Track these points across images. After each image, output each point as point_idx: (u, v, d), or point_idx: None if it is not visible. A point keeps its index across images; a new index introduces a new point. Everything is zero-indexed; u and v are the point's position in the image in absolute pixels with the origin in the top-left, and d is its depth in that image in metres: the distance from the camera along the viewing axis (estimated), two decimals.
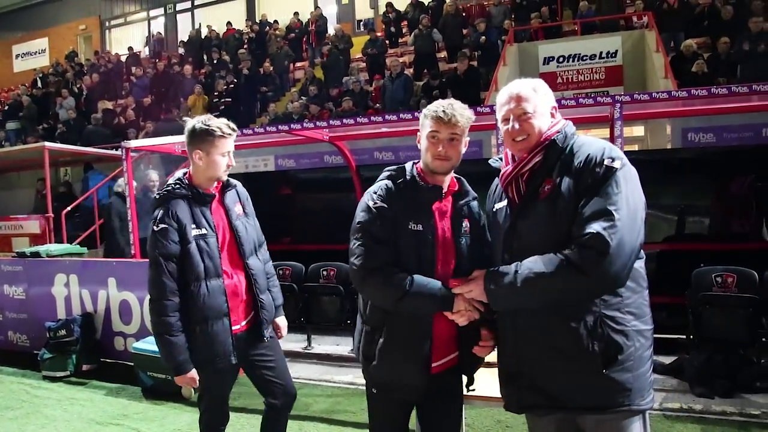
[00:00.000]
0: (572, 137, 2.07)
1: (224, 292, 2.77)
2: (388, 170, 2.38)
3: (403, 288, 2.13)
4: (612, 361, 1.89)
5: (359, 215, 2.29)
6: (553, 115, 2.11)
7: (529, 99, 2.07)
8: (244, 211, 2.98)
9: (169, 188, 2.76)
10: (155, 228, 2.68)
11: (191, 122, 2.77)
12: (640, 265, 1.97)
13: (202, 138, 2.72)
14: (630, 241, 1.84)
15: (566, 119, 2.14)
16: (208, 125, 2.70)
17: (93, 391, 5.28)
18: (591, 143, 2.01)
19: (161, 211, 2.71)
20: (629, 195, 1.88)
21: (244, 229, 2.89)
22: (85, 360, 5.68)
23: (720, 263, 5.12)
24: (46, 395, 5.18)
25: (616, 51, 11.73)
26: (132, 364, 5.29)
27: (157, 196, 2.78)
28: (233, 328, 2.81)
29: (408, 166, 2.38)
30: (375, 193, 2.30)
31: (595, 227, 1.83)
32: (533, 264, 1.92)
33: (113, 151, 10.64)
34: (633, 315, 1.93)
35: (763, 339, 4.76)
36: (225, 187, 2.90)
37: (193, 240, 2.70)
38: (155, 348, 4.99)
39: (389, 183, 2.32)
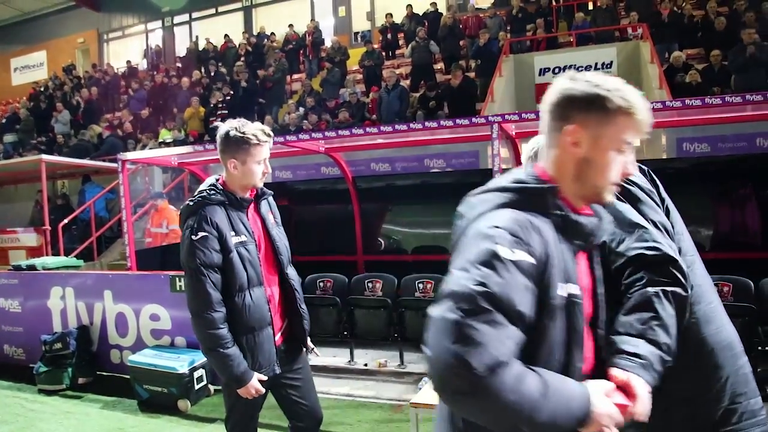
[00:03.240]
0: None
1: (268, 301, 2.66)
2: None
3: None
4: None
5: None
6: None
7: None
8: (275, 220, 2.86)
9: (203, 194, 2.60)
10: (193, 237, 2.50)
11: (224, 128, 2.60)
12: None
13: (236, 146, 2.55)
14: None
15: None
16: (243, 132, 2.54)
17: (89, 404, 5.25)
18: None
19: (197, 219, 2.54)
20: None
21: (279, 239, 2.78)
22: (81, 373, 5.66)
23: (716, 273, 5.12)
24: (42, 409, 5.16)
25: (611, 62, 11.80)
26: (128, 377, 5.28)
27: (190, 203, 2.61)
28: (275, 338, 2.71)
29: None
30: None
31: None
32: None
33: (110, 164, 10.65)
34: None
35: (759, 348, 4.77)
36: (259, 195, 2.76)
37: (234, 248, 2.56)
38: (151, 361, 5.06)
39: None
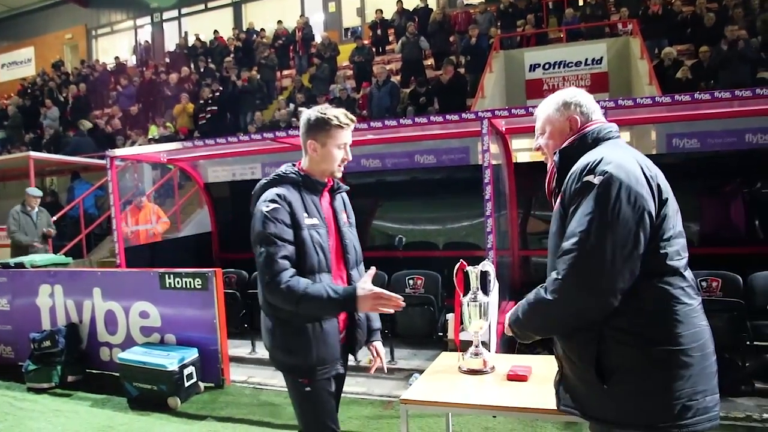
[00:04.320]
0: (595, 144, 1.99)
1: None
2: None
3: None
4: (610, 376, 1.82)
5: None
6: (572, 129, 2.08)
7: (539, 119, 2.17)
8: (348, 220, 2.72)
9: (279, 173, 2.53)
10: (265, 209, 2.38)
11: (307, 112, 2.56)
12: (663, 281, 1.83)
13: (317, 127, 2.49)
14: (604, 263, 1.75)
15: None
16: (325, 113, 2.48)
17: (78, 402, 5.21)
18: (592, 153, 1.93)
19: (270, 194, 2.43)
20: (605, 214, 1.77)
21: (349, 237, 2.65)
22: (70, 371, 5.62)
23: (705, 268, 5.16)
24: (31, 407, 5.11)
25: (602, 58, 11.85)
26: (118, 374, 5.25)
27: (265, 181, 2.52)
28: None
29: None
30: None
31: (562, 252, 1.83)
32: (528, 297, 1.98)
33: (98, 160, 10.59)
34: (639, 335, 1.81)
35: (748, 343, 4.80)
36: (335, 189, 2.66)
37: (306, 227, 2.43)
38: (141, 358, 5.05)
39: None
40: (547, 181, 2.12)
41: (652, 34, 11.58)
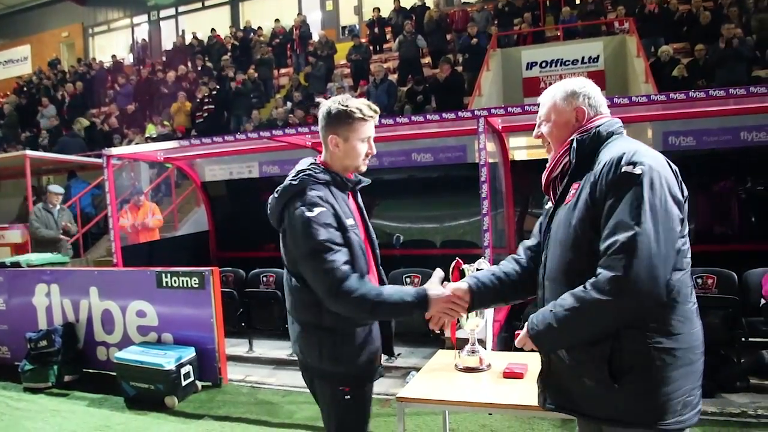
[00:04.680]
0: (609, 137, 1.96)
1: None
2: None
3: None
4: (623, 375, 1.79)
5: None
6: (579, 120, 2.04)
7: (545, 106, 2.09)
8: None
9: (308, 173, 2.31)
10: (309, 214, 2.19)
11: (326, 103, 2.39)
12: (678, 278, 1.82)
13: (338, 120, 2.31)
14: (659, 255, 1.71)
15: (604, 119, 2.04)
16: (346, 106, 2.31)
17: (75, 402, 5.21)
18: (616, 146, 1.89)
19: (308, 197, 2.23)
20: (655, 204, 1.73)
21: (373, 234, 2.52)
22: (67, 371, 5.61)
23: (701, 265, 5.18)
24: (27, 407, 5.11)
25: (598, 56, 11.87)
26: (115, 374, 5.24)
27: (293, 182, 2.28)
28: None
29: None
30: None
31: (617, 246, 1.72)
32: (564, 301, 1.84)
33: (95, 159, 10.56)
34: (657, 332, 1.79)
35: (743, 339, 4.83)
36: (358, 183, 2.49)
37: (349, 229, 2.28)
38: (138, 357, 5.05)
39: None
40: (547, 171, 2.08)
41: (648, 32, 11.59)
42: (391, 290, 2.21)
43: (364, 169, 2.41)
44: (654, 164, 1.78)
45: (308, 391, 2.50)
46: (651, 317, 1.79)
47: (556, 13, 13.72)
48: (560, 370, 1.97)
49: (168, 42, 20.64)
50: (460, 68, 12.32)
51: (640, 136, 9.15)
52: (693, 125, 8.02)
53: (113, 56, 19.51)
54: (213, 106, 13.40)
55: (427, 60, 13.73)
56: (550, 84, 2.11)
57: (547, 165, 2.10)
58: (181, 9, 22.25)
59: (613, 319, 1.78)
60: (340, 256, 2.17)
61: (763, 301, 4.56)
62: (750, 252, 5.63)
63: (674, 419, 1.80)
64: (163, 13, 22.61)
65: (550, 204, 2.12)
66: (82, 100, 16.79)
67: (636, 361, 1.79)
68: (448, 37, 13.98)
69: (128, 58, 20.88)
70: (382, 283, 2.45)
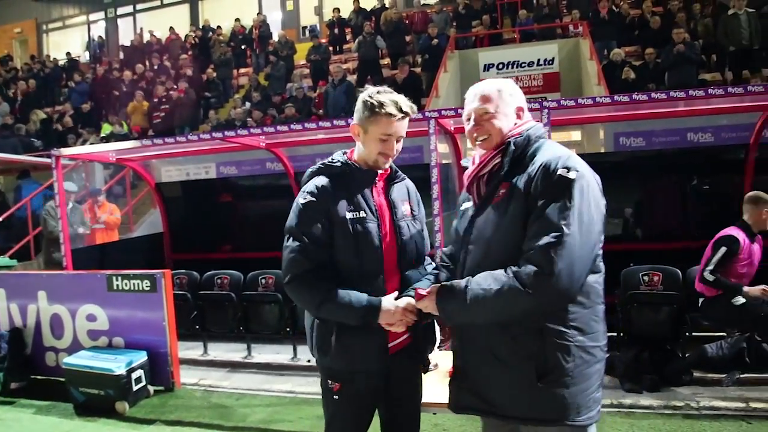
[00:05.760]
0: (537, 141, 2.01)
1: (385, 294, 2.24)
2: None
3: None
4: (547, 374, 1.84)
5: None
6: (519, 117, 2.08)
7: (491, 99, 2.05)
8: (412, 212, 2.44)
9: (326, 162, 2.33)
10: (301, 201, 2.24)
11: (363, 93, 2.34)
12: (595, 279, 1.91)
13: (363, 111, 2.26)
14: (581, 257, 1.78)
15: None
16: (372, 98, 2.23)
17: (21, 410, 5.07)
18: (549, 149, 1.95)
19: (311, 184, 2.27)
20: (583, 209, 1.80)
21: (408, 233, 2.35)
22: (13, 378, 5.45)
23: (649, 262, 5.32)
24: None
25: (553, 58, 12.10)
26: (64, 380, 5.13)
27: (312, 170, 2.34)
28: (391, 344, 2.30)
29: None
30: None
31: (543, 244, 1.77)
32: (482, 280, 1.88)
33: (47, 159, 10.30)
34: (578, 330, 1.87)
35: (687, 334, 4.99)
36: (391, 178, 2.40)
37: (347, 222, 2.22)
38: (87, 362, 4.96)
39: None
40: (475, 170, 2.09)
41: (601, 35, 11.87)
42: (345, 294, 2.15)
43: (382, 166, 2.32)
44: (585, 171, 1.86)
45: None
46: (571, 316, 1.86)
47: (513, 15, 13.94)
48: (480, 370, 1.99)
49: (125, 40, 20.27)
50: (418, 69, 12.39)
51: (593, 137, 9.36)
52: (643, 126, 8.24)
53: (68, 54, 19.06)
54: (169, 107, 13.22)
55: (386, 61, 13.79)
56: None
57: (473, 163, 2.13)
58: (139, 6, 21.89)
59: (525, 311, 1.83)
60: (305, 248, 2.17)
61: (702, 298, 4.71)
62: (695, 249, 5.79)
63: (586, 415, 1.88)
64: (121, 11, 22.22)
65: (467, 205, 2.14)
66: (36, 98, 16.36)
67: (560, 359, 1.85)
68: (408, 38, 14.05)
69: (84, 56, 20.43)
70: (404, 285, 2.31)
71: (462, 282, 1.93)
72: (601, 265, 1.94)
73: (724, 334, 5.04)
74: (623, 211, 6.51)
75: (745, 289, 4.58)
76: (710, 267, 4.64)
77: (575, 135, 10.58)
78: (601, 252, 1.93)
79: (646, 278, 5.29)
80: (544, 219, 1.80)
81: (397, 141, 2.28)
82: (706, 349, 4.88)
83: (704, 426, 4.05)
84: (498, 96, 2.05)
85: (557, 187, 1.81)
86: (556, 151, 1.93)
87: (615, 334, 5.24)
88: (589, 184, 1.84)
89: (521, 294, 1.78)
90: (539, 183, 1.85)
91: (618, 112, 5.87)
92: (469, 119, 2.10)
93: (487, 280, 1.86)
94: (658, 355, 4.90)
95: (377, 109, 2.21)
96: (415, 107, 2.32)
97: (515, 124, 2.06)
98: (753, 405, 4.27)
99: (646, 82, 9.95)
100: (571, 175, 1.81)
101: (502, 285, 1.81)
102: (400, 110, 2.22)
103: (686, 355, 4.97)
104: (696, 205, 6.42)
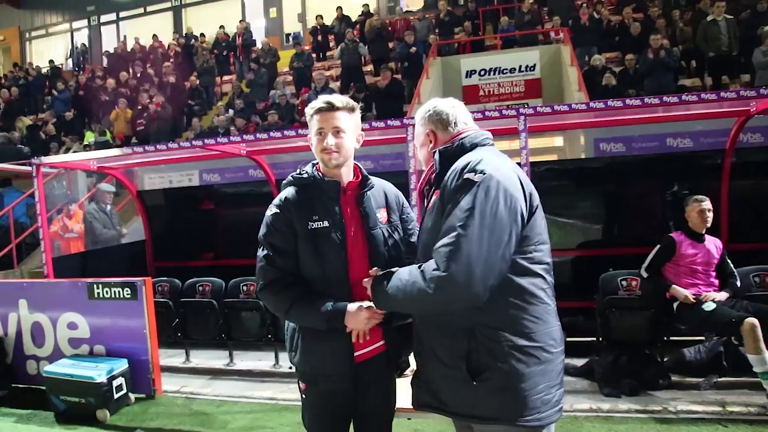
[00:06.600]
0: (472, 149, 2.06)
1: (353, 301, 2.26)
2: None
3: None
4: (480, 373, 1.89)
5: None
6: (432, 138, 2.19)
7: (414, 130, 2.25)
8: (389, 218, 2.42)
9: (294, 174, 2.39)
10: (268, 213, 2.33)
11: None
12: (529, 281, 1.93)
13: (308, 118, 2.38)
14: (483, 258, 1.80)
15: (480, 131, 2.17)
16: (313, 101, 2.34)
17: (2, 419, 5.03)
18: (470, 155, 2.00)
19: (278, 197, 2.35)
20: (486, 210, 1.83)
21: (381, 240, 2.33)
22: None
23: (628, 267, 5.37)
24: None
25: (535, 65, 12.21)
26: (44, 388, 5.11)
27: (285, 181, 2.41)
28: (356, 353, 2.30)
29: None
30: None
31: (440, 245, 1.84)
32: (403, 273, 1.97)
33: (28, 168, 10.23)
34: (510, 331, 1.89)
35: (665, 338, 5.05)
36: (362, 186, 2.39)
37: (308, 232, 2.26)
38: (68, 371, 4.95)
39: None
40: (421, 181, 2.21)
41: (582, 42, 12.00)
42: (310, 299, 2.23)
43: (331, 164, 2.31)
44: (496, 174, 1.89)
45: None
46: (503, 317, 1.91)
47: (495, 22, 14.06)
48: (429, 368, 2.06)
49: (109, 48, 20.18)
50: (400, 76, 12.47)
51: (574, 143, 9.45)
52: (622, 132, 8.34)
53: (51, 61, 18.95)
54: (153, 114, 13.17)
55: (369, 68, 13.85)
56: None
57: (423, 176, 2.23)
58: (122, 14, 21.80)
59: (434, 306, 1.91)
60: (272, 259, 2.27)
61: (676, 304, 4.77)
62: None
63: (533, 416, 1.90)
64: (104, 18, 22.11)
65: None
66: (19, 106, 16.25)
67: (491, 358, 1.89)
68: (390, 45, 14.13)
69: (67, 64, 20.31)
70: None
71: (394, 271, 2.02)
72: (541, 267, 1.97)
73: (702, 338, 5.11)
74: (602, 216, 6.61)
75: (673, 287, 4.74)
76: (644, 264, 4.89)
77: (558, 141, 10.67)
78: (537, 254, 1.96)
79: (624, 283, 5.35)
80: (448, 222, 1.87)
81: (337, 134, 2.29)
82: (684, 353, 4.96)
83: (681, 430, 4.11)
84: (414, 129, 2.28)
85: (461, 189, 1.88)
86: (473, 156, 1.99)
87: (594, 338, 5.31)
88: (499, 186, 1.87)
89: (424, 291, 1.85)
90: (450, 187, 1.94)
91: (598, 118, 5.94)
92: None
93: (405, 274, 1.95)
94: (637, 359, 4.95)
95: (308, 110, 2.35)
96: (351, 102, 2.36)
97: (434, 146, 2.16)
98: (729, 408, 4.34)
99: (627, 88, 10.07)
100: (476, 177, 1.87)
101: (414, 280, 1.89)
102: (327, 102, 2.29)
103: (665, 360, 5.04)
104: (675, 209, 6.48)
